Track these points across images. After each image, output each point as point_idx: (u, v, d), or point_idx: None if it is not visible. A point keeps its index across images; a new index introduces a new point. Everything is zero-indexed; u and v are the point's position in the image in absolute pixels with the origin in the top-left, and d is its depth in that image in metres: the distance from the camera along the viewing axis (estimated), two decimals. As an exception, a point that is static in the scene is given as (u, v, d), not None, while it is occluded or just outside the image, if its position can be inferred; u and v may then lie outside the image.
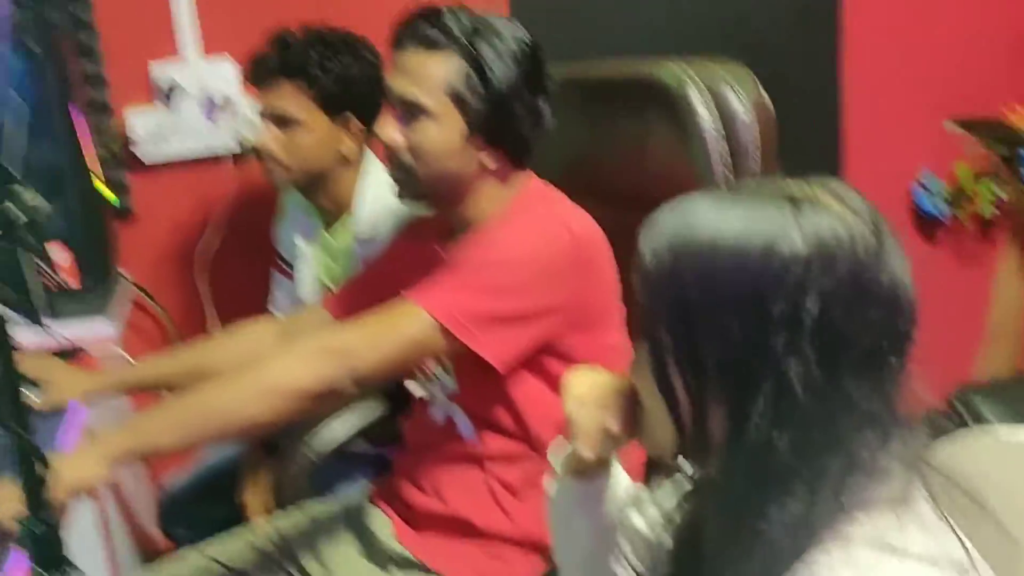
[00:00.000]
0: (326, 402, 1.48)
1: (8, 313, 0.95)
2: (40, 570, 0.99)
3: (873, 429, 0.86)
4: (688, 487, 1.06)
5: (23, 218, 0.91)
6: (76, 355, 1.83)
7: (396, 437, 1.82)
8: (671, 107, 1.61)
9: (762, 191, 0.90)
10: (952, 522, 0.88)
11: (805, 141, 2.20)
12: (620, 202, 1.69)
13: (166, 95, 2.29)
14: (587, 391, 1.03)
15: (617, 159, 1.78)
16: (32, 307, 0.95)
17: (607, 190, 1.70)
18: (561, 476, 1.14)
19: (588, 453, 1.03)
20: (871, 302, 0.85)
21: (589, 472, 1.11)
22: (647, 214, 0.94)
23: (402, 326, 1.43)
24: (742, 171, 1.55)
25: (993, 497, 0.93)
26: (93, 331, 1.94)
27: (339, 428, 1.86)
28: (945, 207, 2.69)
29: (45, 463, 1.02)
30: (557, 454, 1.15)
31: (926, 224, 2.74)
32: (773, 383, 0.85)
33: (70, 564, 1.02)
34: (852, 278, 0.85)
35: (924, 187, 2.69)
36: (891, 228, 0.90)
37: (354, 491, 1.80)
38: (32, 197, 0.93)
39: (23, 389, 0.99)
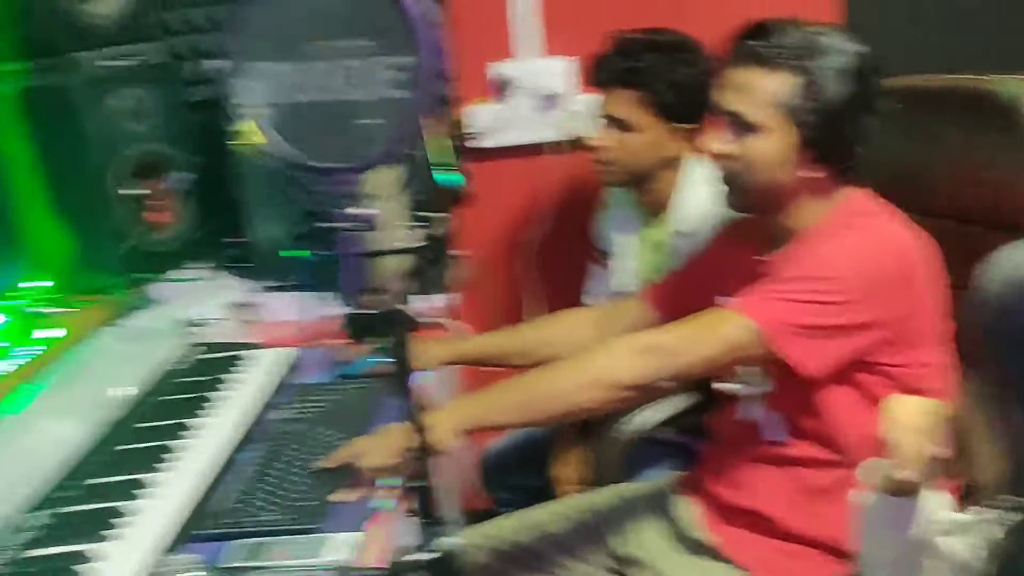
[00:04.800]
0: (646, 396, 1.57)
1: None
2: (423, 519, 1.17)
3: None
4: (1014, 518, 1.07)
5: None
6: (430, 327, 1.94)
7: (701, 428, 1.89)
8: (1008, 122, 1.60)
9: None
10: None
11: None
12: (948, 215, 1.69)
13: (501, 90, 2.47)
14: (911, 417, 1.06)
15: (945, 172, 1.77)
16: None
17: (934, 203, 1.71)
18: (875, 491, 1.18)
19: (911, 476, 1.06)
20: None
21: (904, 491, 1.14)
22: (976, 228, 0.96)
23: (723, 329, 1.50)
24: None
25: None
26: (434, 305, 2.08)
27: (651, 414, 1.96)
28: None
29: (423, 428, 1.20)
30: (871, 470, 1.18)
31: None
32: None
33: (440, 516, 1.19)
34: None
35: None
36: None
37: (659, 477, 1.89)
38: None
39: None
